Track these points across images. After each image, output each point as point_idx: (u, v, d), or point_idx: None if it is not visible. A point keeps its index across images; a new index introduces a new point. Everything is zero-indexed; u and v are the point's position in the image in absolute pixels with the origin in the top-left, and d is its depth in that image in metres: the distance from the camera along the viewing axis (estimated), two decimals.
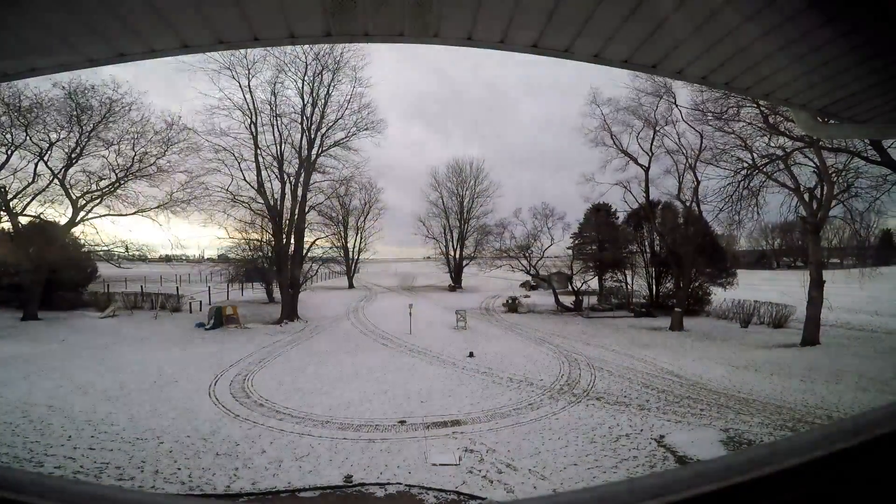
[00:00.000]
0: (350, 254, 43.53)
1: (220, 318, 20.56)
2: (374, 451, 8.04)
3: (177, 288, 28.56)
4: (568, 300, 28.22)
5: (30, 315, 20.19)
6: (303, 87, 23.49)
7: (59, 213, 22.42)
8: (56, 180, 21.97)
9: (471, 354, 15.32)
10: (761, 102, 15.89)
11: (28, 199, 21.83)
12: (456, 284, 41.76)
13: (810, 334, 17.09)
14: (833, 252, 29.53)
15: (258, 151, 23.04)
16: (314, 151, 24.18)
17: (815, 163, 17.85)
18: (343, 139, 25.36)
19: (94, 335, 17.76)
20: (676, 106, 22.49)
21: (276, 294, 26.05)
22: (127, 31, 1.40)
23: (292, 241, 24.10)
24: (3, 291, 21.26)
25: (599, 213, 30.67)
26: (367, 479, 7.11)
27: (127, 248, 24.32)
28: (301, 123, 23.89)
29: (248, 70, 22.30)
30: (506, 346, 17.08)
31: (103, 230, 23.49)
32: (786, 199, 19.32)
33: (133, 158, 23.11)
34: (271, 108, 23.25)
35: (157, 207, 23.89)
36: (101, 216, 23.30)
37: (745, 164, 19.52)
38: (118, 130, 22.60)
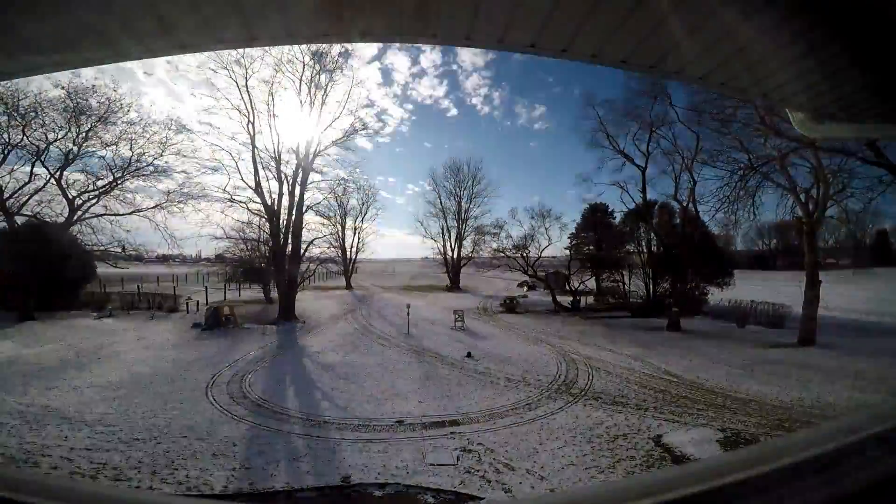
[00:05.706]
0: (348, 254, 43.48)
1: (217, 319, 20.47)
2: (371, 451, 8.04)
3: (173, 288, 28.46)
4: (565, 300, 28.27)
5: (26, 315, 20.08)
6: (300, 87, 23.49)
7: (55, 213, 22.37)
8: (53, 180, 21.91)
9: (469, 354, 15.32)
10: (758, 103, 15.96)
11: (25, 199, 21.77)
12: (454, 285, 41.77)
13: (807, 334, 17.19)
14: (829, 252, 29.72)
15: (255, 151, 23.02)
16: (312, 151, 24.15)
17: (811, 163, 17.97)
18: (340, 139, 25.38)
19: (91, 335, 17.67)
20: (672, 107, 22.63)
21: (274, 294, 25.99)
22: (124, 31, 1.39)
23: (290, 240, 24.07)
24: None
25: (597, 214, 30.77)
26: (365, 479, 7.10)
27: (124, 249, 24.29)
28: (299, 123, 23.88)
29: (246, 70, 22.31)
30: (504, 346, 17.09)
31: (100, 230, 23.45)
32: (782, 199, 19.52)
33: (130, 158, 23.11)
34: (269, 108, 23.24)
35: (154, 207, 23.92)
36: (98, 216, 23.28)
37: (742, 165, 19.64)
38: (116, 131, 22.60)
